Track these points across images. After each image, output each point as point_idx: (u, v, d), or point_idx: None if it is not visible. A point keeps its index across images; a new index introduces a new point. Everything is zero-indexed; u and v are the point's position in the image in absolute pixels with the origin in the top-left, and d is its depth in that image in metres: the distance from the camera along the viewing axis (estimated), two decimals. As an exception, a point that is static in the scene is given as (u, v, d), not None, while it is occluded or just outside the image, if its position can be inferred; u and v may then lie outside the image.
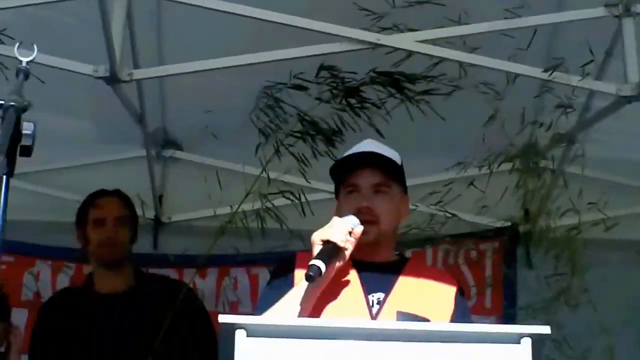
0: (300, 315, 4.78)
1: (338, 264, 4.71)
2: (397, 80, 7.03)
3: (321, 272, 4.53)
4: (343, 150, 5.70)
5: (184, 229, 9.42)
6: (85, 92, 6.90)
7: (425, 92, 7.09)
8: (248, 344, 3.90)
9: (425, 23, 6.71)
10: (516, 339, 3.94)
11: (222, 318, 3.98)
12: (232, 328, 3.91)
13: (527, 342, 3.92)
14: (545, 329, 3.94)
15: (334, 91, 7.16)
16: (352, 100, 7.12)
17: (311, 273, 4.49)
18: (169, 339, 6.75)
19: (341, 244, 4.61)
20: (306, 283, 4.69)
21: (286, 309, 4.66)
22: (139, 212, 8.32)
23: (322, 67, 6.76)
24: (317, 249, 4.61)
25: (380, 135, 6.38)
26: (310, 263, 4.58)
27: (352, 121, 7.10)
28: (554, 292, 7.64)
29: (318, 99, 7.28)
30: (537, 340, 4.02)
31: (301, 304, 4.63)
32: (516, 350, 3.94)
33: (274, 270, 5.24)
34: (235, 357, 3.90)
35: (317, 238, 4.65)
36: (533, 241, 9.00)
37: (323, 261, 4.52)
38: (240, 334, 3.89)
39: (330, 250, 4.60)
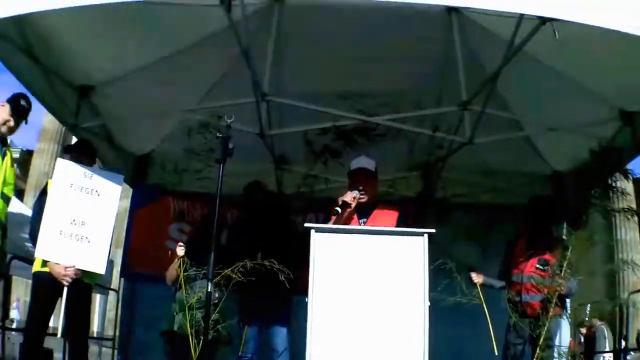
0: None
1: (349, 209, 5.60)
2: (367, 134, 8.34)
3: (338, 212, 5.72)
4: (348, 160, 6.70)
5: (288, 196, 10.41)
6: (249, 138, 7.84)
7: (382, 139, 8.40)
8: (316, 235, 4.92)
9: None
10: (421, 234, 4.91)
11: (306, 225, 5.04)
12: (309, 228, 4.91)
13: (425, 236, 4.89)
14: (433, 230, 4.93)
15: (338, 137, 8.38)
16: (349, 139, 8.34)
17: (334, 213, 5.71)
18: (284, 236, 7.46)
19: (348, 201, 5.57)
20: (333, 217, 5.79)
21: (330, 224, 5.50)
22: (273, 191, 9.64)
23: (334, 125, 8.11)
24: (339, 202, 5.53)
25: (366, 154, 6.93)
26: (335, 208, 5.72)
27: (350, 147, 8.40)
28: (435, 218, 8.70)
29: (335, 139, 8.40)
30: (430, 235, 4.92)
31: (334, 224, 5.50)
32: (421, 239, 4.92)
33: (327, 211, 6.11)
34: (311, 241, 4.95)
35: (339, 198, 5.59)
36: (427, 202, 10.02)
37: (340, 207, 5.71)
38: (313, 231, 4.92)
39: (344, 203, 5.54)
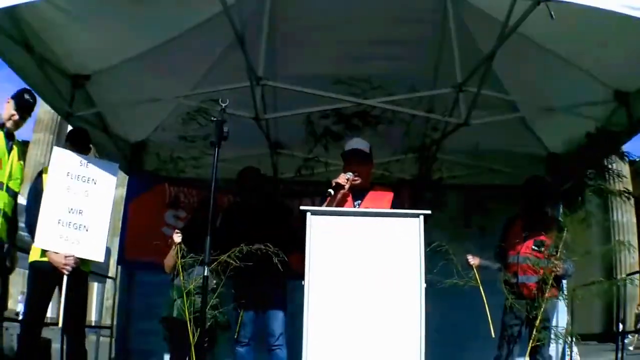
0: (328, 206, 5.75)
1: (342, 191, 5.60)
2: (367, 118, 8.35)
3: (331, 194, 5.68)
4: (344, 144, 6.43)
5: (284, 180, 10.52)
6: (244, 123, 7.80)
7: (378, 123, 8.42)
8: (312, 217, 4.90)
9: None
10: (417, 215, 4.88)
11: (302, 207, 5.02)
12: (305, 211, 4.88)
13: (421, 217, 4.87)
14: (428, 212, 4.90)
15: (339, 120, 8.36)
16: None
17: (326, 194, 5.66)
18: (274, 218, 7.66)
19: (342, 182, 5.56)
20: (328, 199, 5.74)
21: (324, 206, 5.52)
22: (269, 175, 9.84)
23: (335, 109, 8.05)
24: (333, 183, 5.54)
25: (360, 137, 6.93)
26: (328, 190, 5.68)
27: (350, 131, 8.32)
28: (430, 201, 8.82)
29: (335, 122, 8.42)
30: (426, 216, 4.90)
31: (327, 205, 5.52)
32: (416, 221, 4.88)
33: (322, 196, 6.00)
34: (307, 223, 4.93)
35: (333, 180, 5.57)
36: (423, 185, 10.11)
37: (333, 189, 5.66)
38: (309, 214, 4.89)
39: (337, 185, 5.53)
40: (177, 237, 7.22)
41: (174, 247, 7.23)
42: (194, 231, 7.33)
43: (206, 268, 5.14)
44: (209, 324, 6.16)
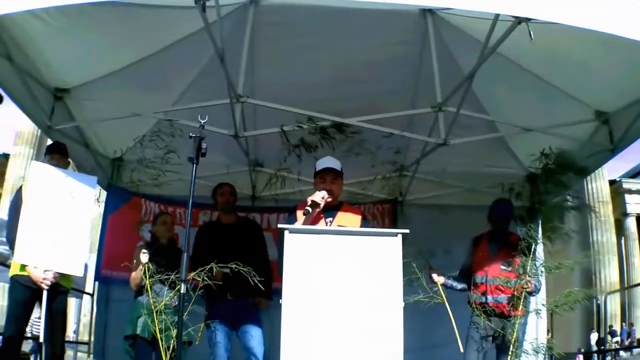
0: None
1: (317, 209, 5.60)
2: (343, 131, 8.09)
3: (309, 212, 5.75)
4: (317, 159, 6.45)
5: (262, 198, 10.65)
6: (224, 140, 7.86)
7: (356, 137, 8.23)
8: (290, 236, 4.90)
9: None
10: (395, 234, 4.88)
11: (279, 225, 5.04)
12: (283, 229, 4.88)
13: (399, 236, 4.87)
14: (406, 230, 4.90)
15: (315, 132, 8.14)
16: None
17: (305, 212, 5.75)
18: (248, 240, 7.79)
19: (318, 201, 5.59)
20: (304, 216, 5.84)
21: (297, 224, 5.61)
22: (248, 193, 10.24)
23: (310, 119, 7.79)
24: (309, 202, 5.56)
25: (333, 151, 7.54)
26: (306, 208, 5.76)
27: (323, 145, 8.16)
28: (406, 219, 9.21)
29: (310, 133, 8.18)
30: (403, 235, 4.90)
31: (303, 224, 5.56)
32: (394, 240, 4.89)
33: (289, 211, 6.18)
34: (285, 242, 4.90)
35: (309, 198, 5.63)
36: (402, 204, 10.52)
37: (311, 207, 5.74)
38: (286, 232, 4.88)
39: (314, 203, 5.56)
40: (144, 257, 7.26)
41: (140, 266, 7.29)
42: (154, 249, 7.61)
43: (183, 285, 5.09)
44: (171, 341, 6.20)
